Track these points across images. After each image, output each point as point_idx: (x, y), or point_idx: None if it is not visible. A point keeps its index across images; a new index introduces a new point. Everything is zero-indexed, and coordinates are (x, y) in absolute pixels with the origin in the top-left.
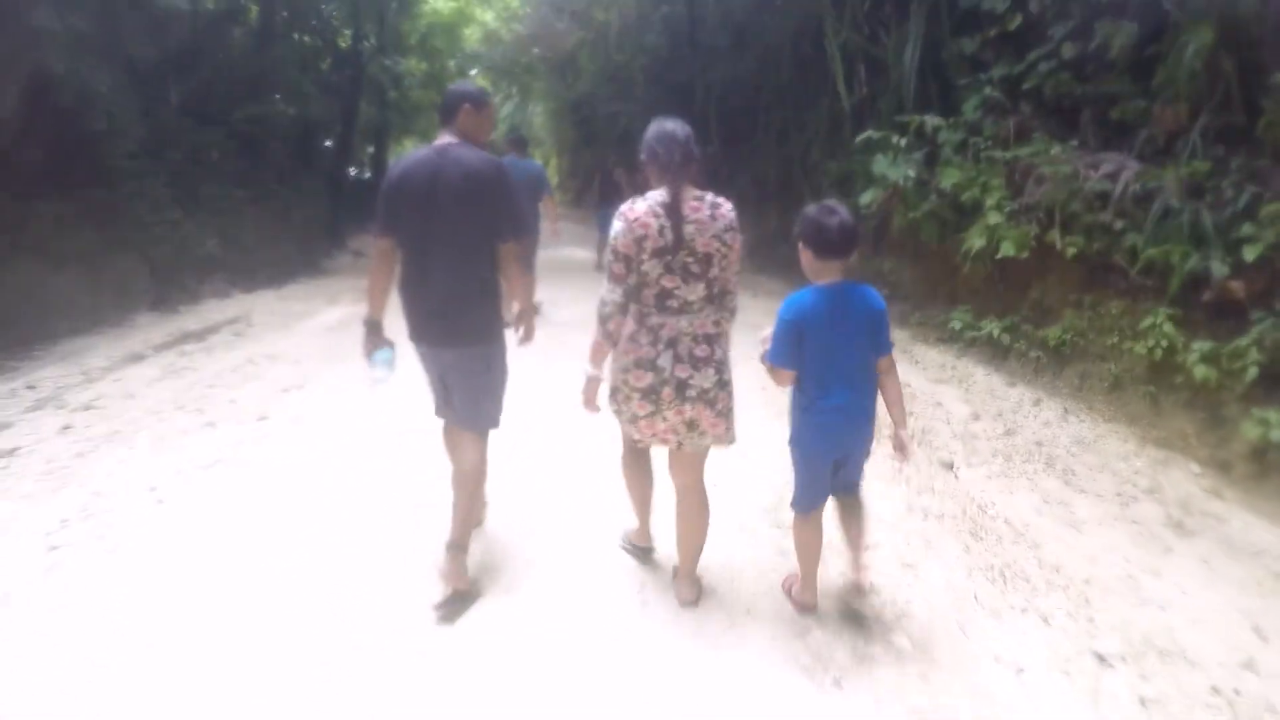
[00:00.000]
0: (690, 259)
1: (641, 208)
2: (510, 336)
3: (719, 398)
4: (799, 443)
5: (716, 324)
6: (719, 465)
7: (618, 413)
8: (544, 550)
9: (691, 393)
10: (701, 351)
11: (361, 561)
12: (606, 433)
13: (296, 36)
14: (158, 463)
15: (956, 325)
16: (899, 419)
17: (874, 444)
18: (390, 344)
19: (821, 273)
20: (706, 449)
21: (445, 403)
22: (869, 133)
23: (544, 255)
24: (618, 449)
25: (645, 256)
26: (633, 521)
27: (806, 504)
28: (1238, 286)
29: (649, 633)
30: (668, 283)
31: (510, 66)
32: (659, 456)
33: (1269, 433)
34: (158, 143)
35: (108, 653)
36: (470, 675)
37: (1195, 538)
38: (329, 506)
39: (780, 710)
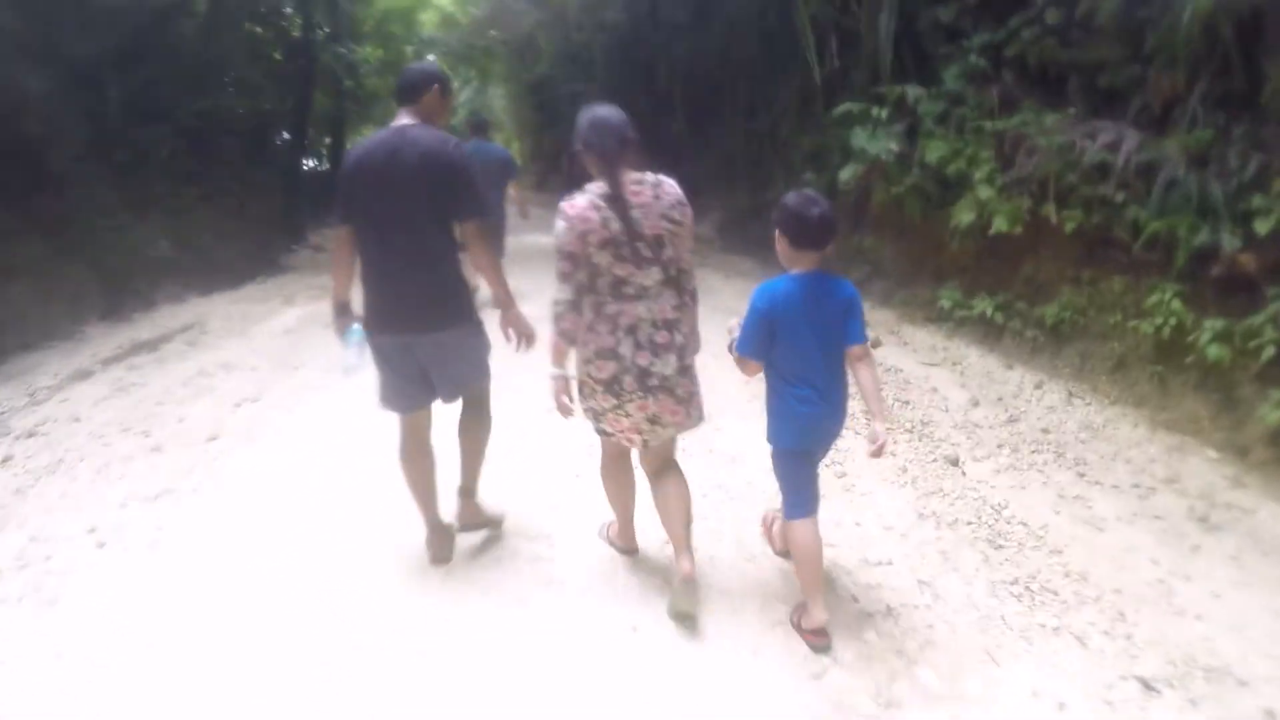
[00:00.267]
0: (640, 243)
1: (582, 202)
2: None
3: (680, 384)
4: (778, 439)
5: (676, 308)
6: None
7: (590, 412)
8: (542, 550)
9: (653, 381)
10: (662, 338)
11: (318, 601)
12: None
13: (246, 27)
14: (100, 497)
15: (945, 304)
16: (876, 410)
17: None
18: (360, 320)
19: (797, 261)
20: (674, 438)
21: (404, 398)
22: (847, 105)
23: (511, 241)
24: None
25: (593, 249)
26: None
27: (800, 509)
28: (1249, 260)
29: (642, 669)
30: (620, 270)
31: (468, 50)
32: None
33: None
34: (103, 144)
35: None
36: (468, 679)
37: (1222, 532)
38: (284, 535)
39: None
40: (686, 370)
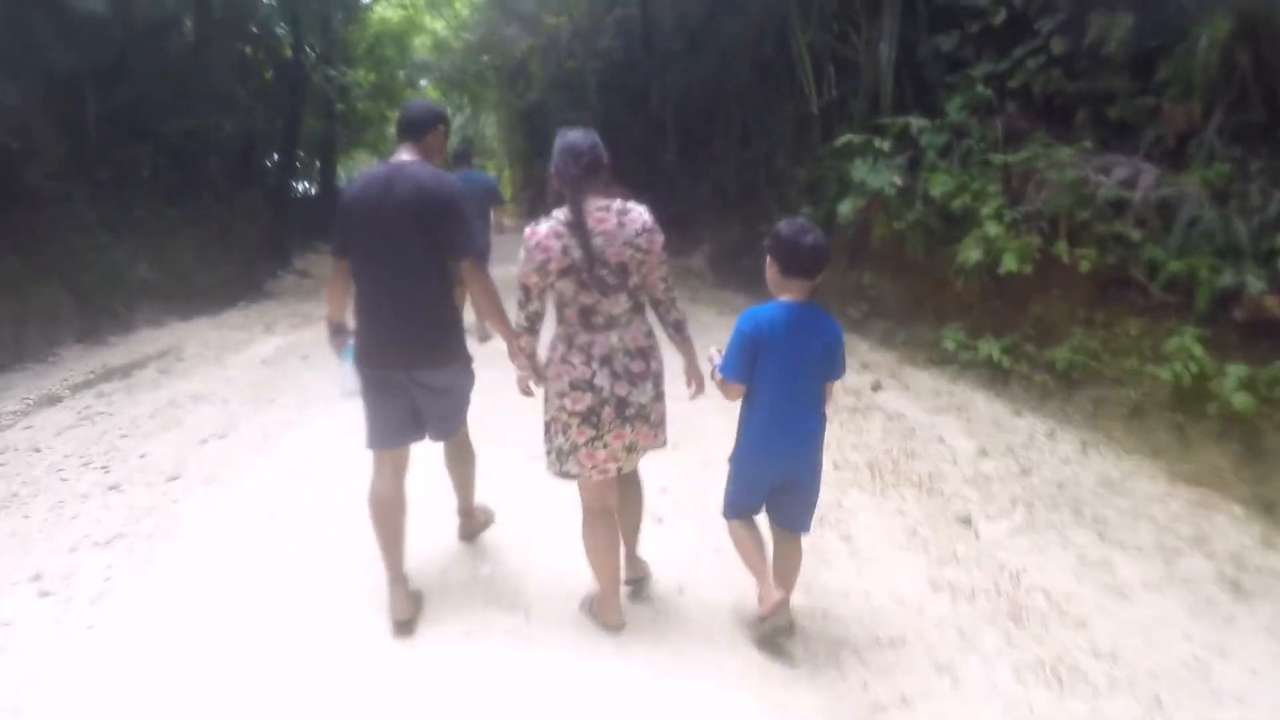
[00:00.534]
0: (605, 271)
1: (543, 230)
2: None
3: (654, 410)
4: (739, 460)
5: (648, 335)
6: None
7: (558, 455)
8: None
9: (630, 410)
10: (637, 366)
11: (270, 672)
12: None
13: (235, 45)
14: (50, 539)
15: (949, 345)
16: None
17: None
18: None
19: (785, 290)
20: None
21: (394, 433)
22: (847, 136)
23: (496, 272)
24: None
25: (554, 278)
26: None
27: (735, 510)
28: (1275, 303)
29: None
30: (586, 299)
31: (460, 76)
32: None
33: None
34: (82, 160)
35: None
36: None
37: (1255, 600)
38: (237, 592)
39: None
40: (660, 396)
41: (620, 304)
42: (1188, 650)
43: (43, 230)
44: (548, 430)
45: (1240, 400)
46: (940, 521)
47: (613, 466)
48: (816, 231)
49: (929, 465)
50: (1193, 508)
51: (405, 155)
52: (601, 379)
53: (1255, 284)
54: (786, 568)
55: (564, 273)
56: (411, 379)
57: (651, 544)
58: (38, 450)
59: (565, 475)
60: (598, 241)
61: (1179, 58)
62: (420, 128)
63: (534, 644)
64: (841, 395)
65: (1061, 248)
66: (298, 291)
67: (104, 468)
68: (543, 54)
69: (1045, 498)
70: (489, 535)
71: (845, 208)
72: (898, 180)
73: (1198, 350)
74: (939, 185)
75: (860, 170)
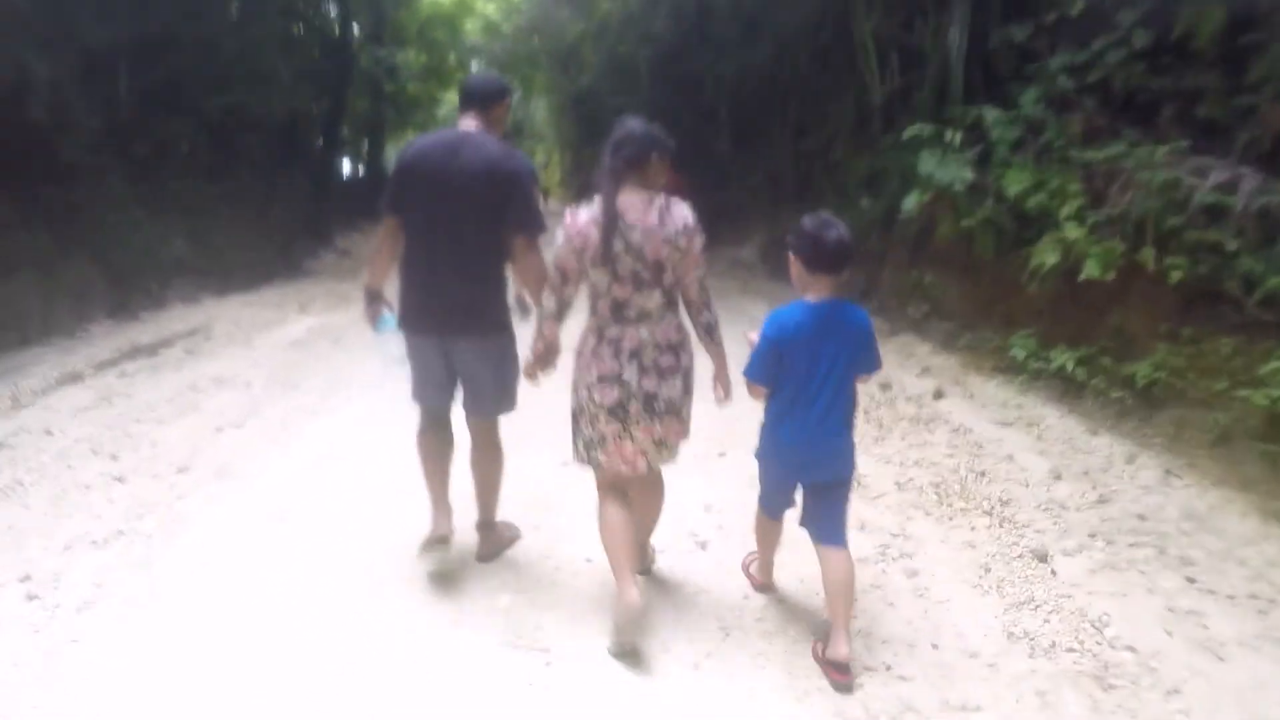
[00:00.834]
0: (640, 266)
1: (583, 217)
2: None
3: (684, 405)
4: (764, 458)
5: (679, 330)
6: None
7: (585, 445)
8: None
9: (660, 406)
10: (667, 361)
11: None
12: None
13: (281, 22)
14: (47, 534)
15: (1018, 354)
16: None
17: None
18: (393, 309)
19: (811, 286)
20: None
21: (439, 392)
22: (917, 127)
23: None
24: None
25: (589, 267)
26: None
27: (772, 508)
28: None
29: None
30: (619, 292)
31: (511, 59)
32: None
33: None
34: (119, 135)
35: None
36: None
37: None
38: (236, 604)
39: None
40: (690, 391)
41: (653, 299)
42: None
43: (76, 205)
44: (576, 420)
45: None
46: (1014, 557)
47: (642, 461)
48: (840, 225)
49: (1000, 488)
50: None
51: (469, 124)
52: (630, 373)
53: None
54: (835, 589)
55: (598, 263)
56: (452, 345)
57: (693, 574)
58: (50, 433)
59: (593, 464)
60: (635, 235)
61: (1276, 53)
62: (488, 98)
63: (552, 694)
64: (902, 403)
65: (1148, 255)
66: (337, 271)
67: (113, 455)
68: (595, 38)
69: (1126, 531)
70: (511, 555)
71: (910, 202)
72: (969, 175)
73: None
74: (1014, 182)
75: (928, 163)
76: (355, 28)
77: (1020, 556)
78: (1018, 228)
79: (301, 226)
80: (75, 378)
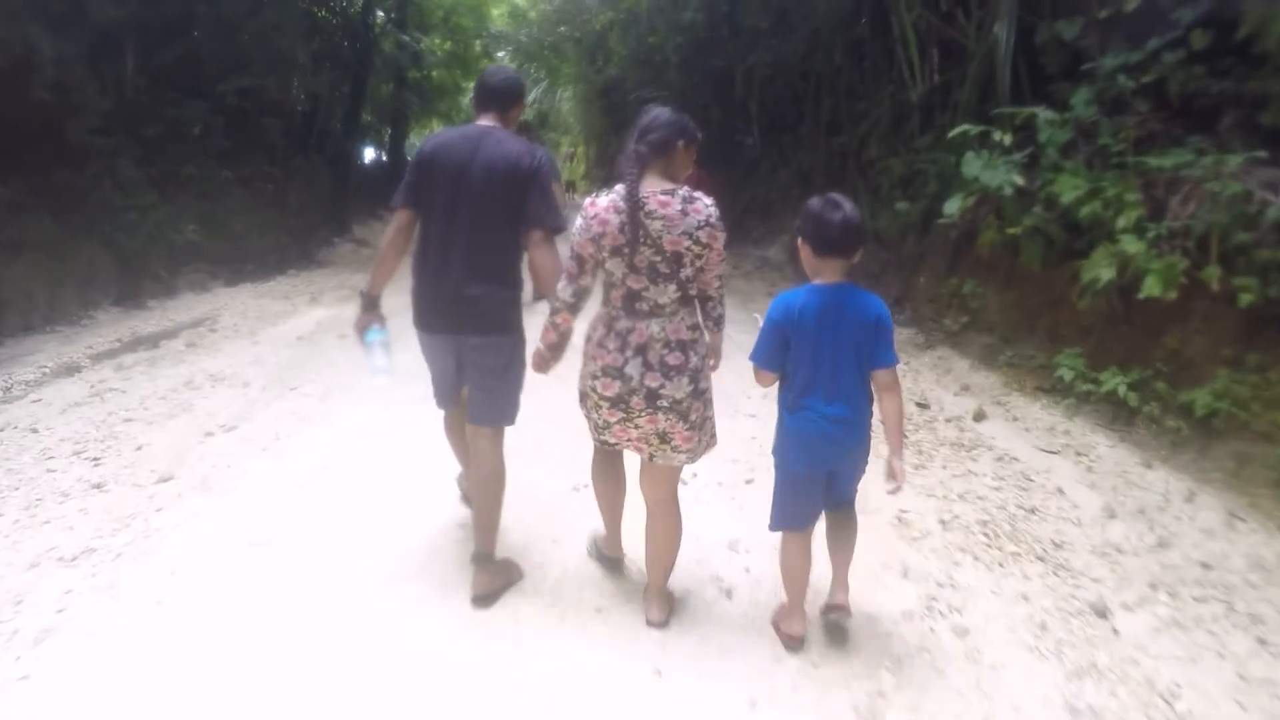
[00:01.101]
0: (658, 258)
1: (603, 203)
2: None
3: (693, 408)
4: (779, 453)
5: (693, 329)
6: None
7: (593, 425)
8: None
9: (664, 403)
10: (674, 359)
11: None
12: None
13: (302, 6)
14: (14, 547)
15: (1065, 374)
16: (894, 444)
17: None
18: (384, 322)
19: (820, 271)
20: (680, 465)
21: (452, 395)
22: (964, 126)
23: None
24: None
25: (605, 255)
26: (603, 528)
27: (784, 522)
28: None
29: None
30: (634, 283)
31: (537, 48)
32: (631, 463)
33: None
34: (130, 117)
35: None
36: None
37: None
38: (206, 641)
39: None
40: (700, 394)
41: (668, 293)
42: None
43: (84, 188)
44: (583, 401)
45: None
46: (1072, 612)
47: (645, 448)
48: (847, 206)
49: (1051, 528)
50: None
51: (490, 122)
52: (632, 368)
53: None
54: (842, 553)
55: (616, 251)
56: (462, 341)
57: (717, 631)
58: (35, 430)
59: (604, 444)
60: (656, 225)
61: None
62: (507, 99)
63: None
64: (942, 424)
65: (1212, 273)
66: (353, 261)
67: (95, 459)
68: (623, 28)
69: (1189, 582)
70: (510, 598)
71: (953, 206)
72: (1019, 179)
73: None
74: (1067, 188)
75: (973, 165)
76: (379, 13)
77: (1079, 613)
78: (1067, 238)
79: (319, 214)
80: (72, 369)
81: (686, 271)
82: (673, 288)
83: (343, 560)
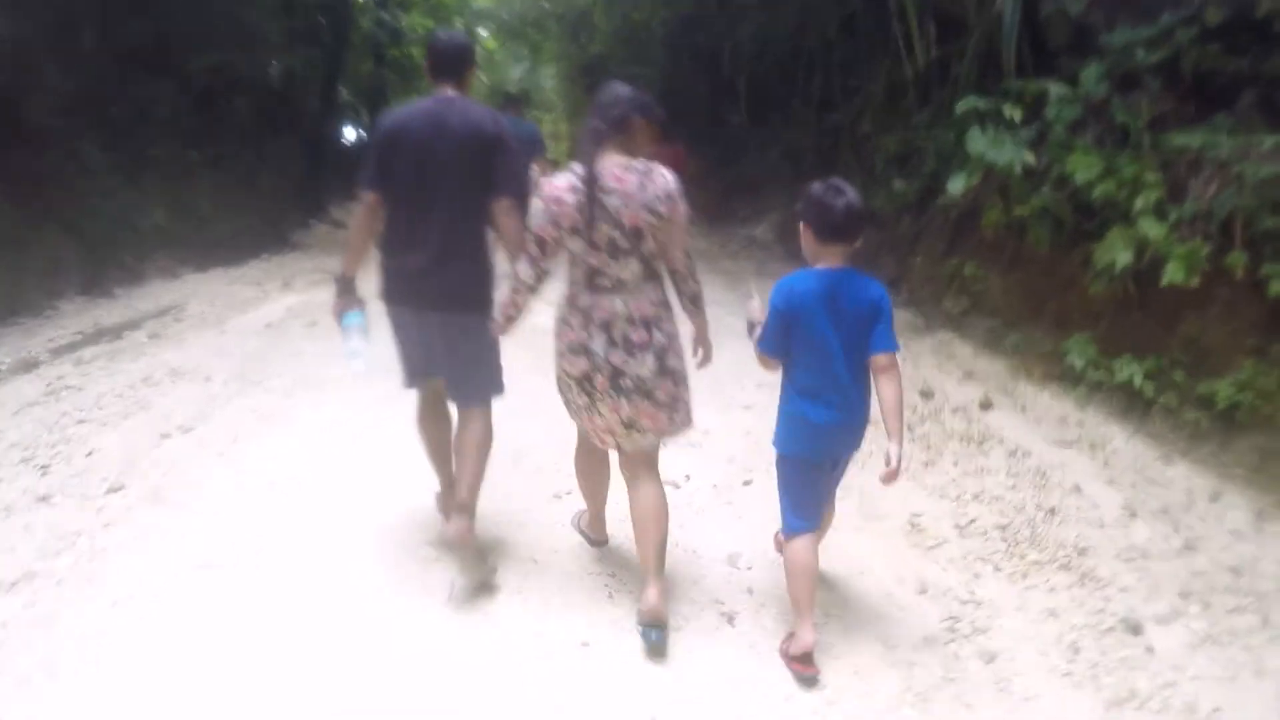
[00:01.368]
0: (617, 233)
1: (561, 183)
2: None
3: (659, 386)
4: (783, 444)
5: (658, 304)
6: None
7: (570, 407)
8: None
9: (626, 383)
10: (639, 336)
11: None
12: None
13: None
14: None
15: (1076, 362)
16: (893, 430)
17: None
18: (363, 306)
19: (821, 256)
20: (654, 445)
21: (422, 372)
22: (970, 100)
23: None
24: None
25: (565, 234)
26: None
27: (797, 524)
28: None
29: None
30: (594, 260)
31: (520, 25)
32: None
33: None
34: (93, 97)
35: None
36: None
37: None
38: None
39: None
40: (668, 372)
41: (630, 269)
42: None
43: (45, 173)
44: (559, 385)
45: None
46: (1104, 629)
47: (610, 439)
48: (850, 190)
49: (1073, 531)
50: None
51: (448, 91)
52: (597, 344)
53: None
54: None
55: (574, 230)
56: (434, 319)
57: (718, 665)
58: None
59: (582, 429)
60: (614, 201)
61: None
62: (460, 64)
63: None
64: (948, 415)
65: (1238, 259)
66: (329, 243)
67: (44, 466)
68: (607, 4)
69: (1221, 590)
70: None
71: (957, 185)
72: (1030, 158)
73: None
74: (1081, 167)
75: (978, 142)
76: None
77: (1111, 630)
78: (1077, 219)
79: (293, 196)
80: (30, 365)
81: (648, 245)
82: (634, 262)
83: (299, 590)
